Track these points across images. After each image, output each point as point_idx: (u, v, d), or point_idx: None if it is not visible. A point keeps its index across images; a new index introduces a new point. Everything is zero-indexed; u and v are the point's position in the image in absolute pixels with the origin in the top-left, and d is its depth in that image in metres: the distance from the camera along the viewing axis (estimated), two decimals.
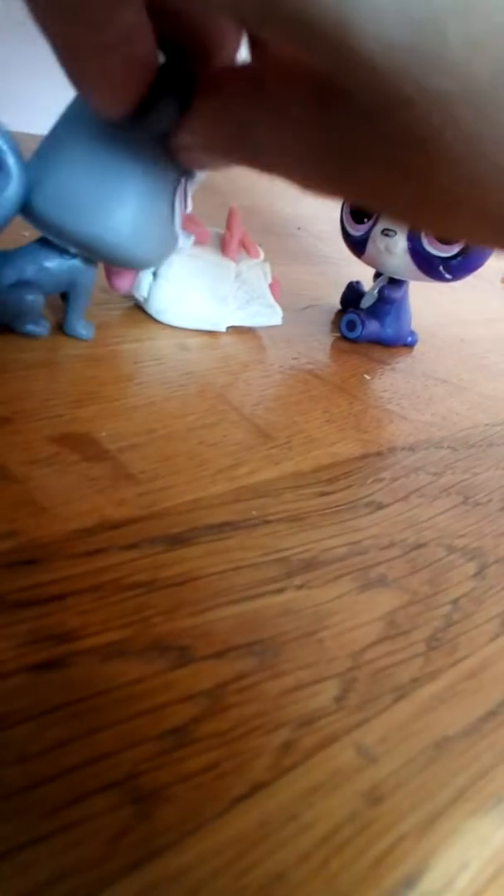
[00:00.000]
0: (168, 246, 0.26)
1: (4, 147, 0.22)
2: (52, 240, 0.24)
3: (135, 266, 0.26)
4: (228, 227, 0.33)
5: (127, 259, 0.25)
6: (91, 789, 0.14)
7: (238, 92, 0.17)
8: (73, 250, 0.25)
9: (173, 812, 0.14)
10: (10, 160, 0.22)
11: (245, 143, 0.17)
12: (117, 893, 0.13)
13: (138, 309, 0.33)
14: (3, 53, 0.52)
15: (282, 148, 0.16)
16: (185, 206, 0.27)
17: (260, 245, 0.36)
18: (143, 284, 0.32)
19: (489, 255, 0.35)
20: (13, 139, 0.22)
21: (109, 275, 0.30)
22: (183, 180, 0.25)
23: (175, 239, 0.27)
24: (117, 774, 0.14)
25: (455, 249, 0.34)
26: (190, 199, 0.27)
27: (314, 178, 0.16)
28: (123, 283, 0.30)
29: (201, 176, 0.26)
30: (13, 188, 0.22)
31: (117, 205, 0.23)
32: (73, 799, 0.14)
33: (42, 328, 0.26)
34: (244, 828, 0.14)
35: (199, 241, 0.32)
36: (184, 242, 0.29)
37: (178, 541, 0.21)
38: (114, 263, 0.25)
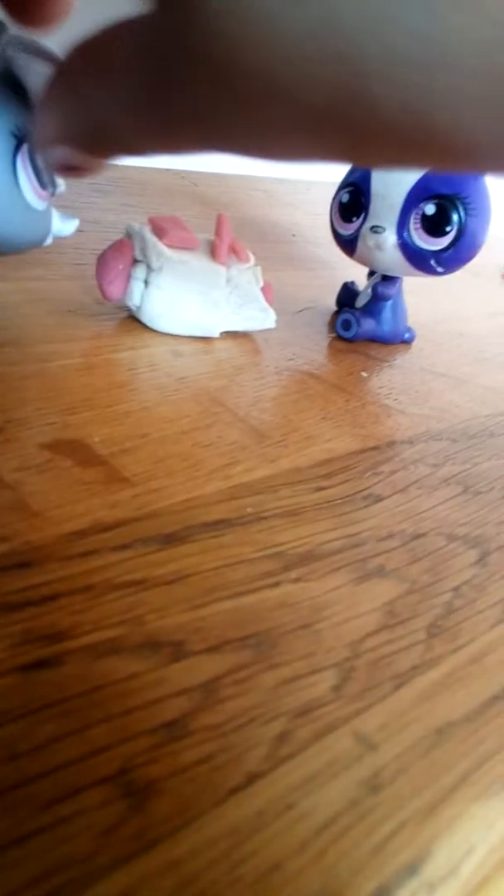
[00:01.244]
0: (27, 224, 0.25)
1: None
2: None
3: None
4: (217, 233, 0.33)
5: None
6: (83, 784, 0.14)
7: (74, 70, 0.17)
8: None
9: (167, 805, 0.14)
10: None
11: (97, 129, 0.17)
12: (110, 886, 0.12)
13: (132, 319, 0.33)
14: None
15: (118, 107, 0.15)
16: (50, 184, 0.25)
17: (254, 252, 0.36)
18: (136, 293, 0.32)
19: (480, 246, 0.35)
20: None
21: (101, 283, 0.31)
22: (25, 148, 0.23)
23: (39, 217, 0.25)
24: (110, 769, 0.14)
25: (445, 242, 0.34)
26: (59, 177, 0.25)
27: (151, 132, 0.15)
28: (114, 291, 0.31)
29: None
30: None
31: None
32: (65, 794, 0.14)
33: None
34: (239, 819, 0.14)
35: (188, 247, 0.32)
36: (62, 226, 0.27)
37: (171, 540, 0.21)
38: None
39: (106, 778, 0.14)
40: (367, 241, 0.35)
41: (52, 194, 0.26)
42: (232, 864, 0.13)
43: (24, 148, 0.23)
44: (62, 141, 0.18)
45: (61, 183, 0.26)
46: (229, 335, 0.35)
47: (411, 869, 0.14)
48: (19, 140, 0.23)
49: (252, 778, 0.15)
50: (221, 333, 0.34)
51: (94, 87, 0.16)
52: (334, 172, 0.38)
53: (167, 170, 0.65)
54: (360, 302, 0.39)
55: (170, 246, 0.32)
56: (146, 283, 0.32)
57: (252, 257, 0.35)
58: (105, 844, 0.13)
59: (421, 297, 0.48)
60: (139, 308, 0.32)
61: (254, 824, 0.14)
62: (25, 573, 0.18)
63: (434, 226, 0.34)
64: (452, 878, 0.14)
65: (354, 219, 0.36)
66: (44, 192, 0.25)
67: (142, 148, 0.16)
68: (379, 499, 0.25)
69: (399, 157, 0.13)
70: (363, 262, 0.37)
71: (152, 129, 0.15)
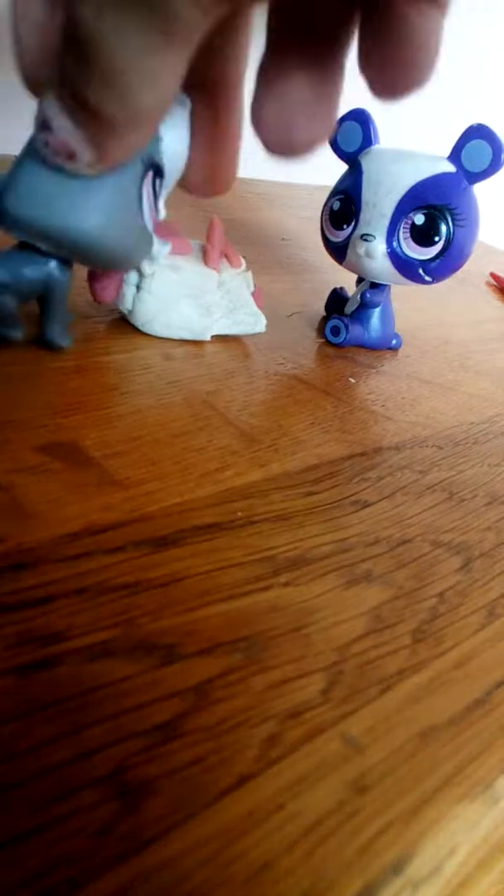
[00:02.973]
0: (140, 244, 0.27)
1: None
2: (26, 240, 0.24)
3: (108, 263, 0.26)
4: (209, 237, 0.34)
5: (98, 252, 0.25)
6: (78, 784, 0.14)
7: None
8: (45, 248, 0.25)
9: (160, 805, 0.14)
10: None
11: None
12: (105, 885, 0.13)
13: (123, 321, 0.33)
14: None
15: None
16: (157, 210, 0.27)
17: (244, 256, 0.36)
18: (128, 297, 0.32)
19: (468, 256, 0.36)
20: None
21: (92, 286, 0.31)
22: (150, 175, 0.25)
23: (149, 239, 0.27)
24: (104, 770, 0.15)
25: (433, 252, 0.35)
26: (163, 204, 0.27)
27: None
28: (106, 295, 0.31)
29: (171, 178, 0.26)
30: None
31: (85, 195, 0.23)
32: (59, 794, 0.14)
33: (16, 332, 0.27)
34: (231, 819, 0.14)
35: (180, 252, 0.32)
36: (160, 249, 0.29)
37: (164, 543, 0.21)
38: (86, 259, 0.26)
39: (100, 778, 0.14)
40: (356, 248, 0.36)
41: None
42: (223, 864, 0.14)
43: (150, 175, 0.25)
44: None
45: (163, 209, 0.28)
46: (220, 339, 0.35)
47: (396, 868, 0.15)
48: (146, 167, 0.25)
49: (243, 779, 0.15)
50: (212, 337, 0.34)
51: None
52: (324, 175, 0.38)
53: None
54: (349, 308, 0.40)
55: None
56: (138, 287, 0.32)
57: (243, 262, 0.35)
58: (99, 844, 0.13)
59: (408, 304, 0.49)
60: (131, 312, 0.32)
61: (245, 824, 0.14)
62: (19, 575, 0.18)
63: (423, 235, 0.35)
64: (436, 878, 0.15)
65: (345, 226, 0.37)
66: (156, 216, 0.27)
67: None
68: (367, 504, 0.26)
69: None
70: (352, 269, 0.38)
71: None
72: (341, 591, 0.21)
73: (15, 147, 0.25)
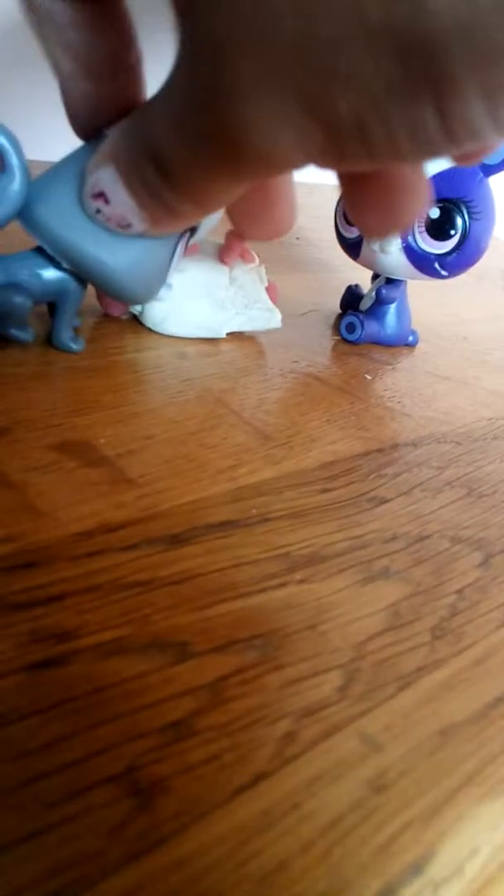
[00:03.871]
0: (155, 291, 0.27)
1: (7, 145, 0.23)
2: (46, 249, 0.24)
3: (118, 297, 0.26)
4: (229, 239, 0.33)
5: (116, 288, 0.25)
6: (91, 783, 0.14)
7: None
8: (61, 263, 0.25)
9: (174, 803, 0.14)
10: (14, 158, 0.23)
11: None
12: (117, 884, 0.13)
13: (136, 320, 0.33)
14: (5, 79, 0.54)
15: None
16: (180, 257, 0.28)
17: (258, 255, 0.36)
18: None
19: (484, 250, 0.35)
20: (16, 138, 0.23)
21: (102, 301, 0.31)
22: (188, 234, 0.26)
23: (163, 283, 0.27)
24: (117, 768, 0.14)
25: (449, 246, 0.34)
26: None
27: None
28: (115, 309, 0.31)
29: (202, 232, 0.28)
30: (17, 185, 0.23)
31: (124, 236, 0.23)
32: (72, 793, 0.14)
33: (27, 334, 0.27)
34: (246, 818, 0.14)
35: (187, 254, 0.32)
36: (164, 292, 0.30)
37: (177, 541, 0.21)
38: (101, 288, 0.26)
39: (113, 776, 0.14)
40: (371, 244, 0.35)
41: None
42: (238, 863, 0.13)
43: (188, 235, 0.26)
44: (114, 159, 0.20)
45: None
46: (234, 337, 0.35)
47: (416, 868, 0.14)
48: (188, 230, 0.26)
49: (258, 777, 0.15)
50: (227, 334, 0.34)
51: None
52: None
53: None
54: (365, 305, 0.40)
55: None
56: None
57: (256, 258, 0.35)
58: (112, 842, 0.13)
59: (424, 300, 0.48)
60: (142, 313, 0.32)
61: (260, 823, 0.14)
62: (32, 573, 0.18)
63: (438, 229, 0.34)
64: (457, 878, 0.15)
65: None
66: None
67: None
68: (383, 501, 0.25)
69: None
70: (367, 265, 0.37)
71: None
72: (358, 587, 0.21)
73: (45, 154, 0.25)
